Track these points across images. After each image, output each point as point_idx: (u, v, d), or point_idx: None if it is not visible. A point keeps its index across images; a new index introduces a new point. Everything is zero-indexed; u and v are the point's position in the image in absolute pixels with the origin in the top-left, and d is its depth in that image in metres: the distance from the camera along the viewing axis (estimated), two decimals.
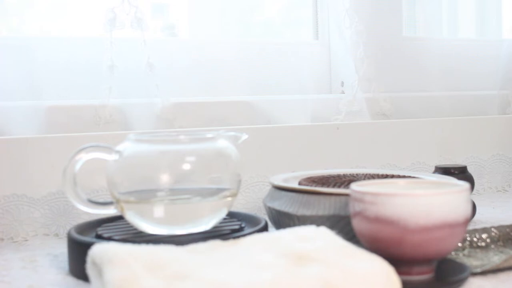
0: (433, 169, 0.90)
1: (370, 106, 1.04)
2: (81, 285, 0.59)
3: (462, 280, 0.55)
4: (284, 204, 0.71)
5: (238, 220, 0.71)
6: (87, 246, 0.53)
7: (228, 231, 0.65)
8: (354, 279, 0.47)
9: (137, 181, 0.63)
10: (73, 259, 0.63)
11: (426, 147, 1.04)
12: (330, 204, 0.68)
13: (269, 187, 0.79)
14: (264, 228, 0.67)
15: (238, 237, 0.58)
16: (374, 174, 0.80)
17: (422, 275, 0.55)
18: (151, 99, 0.89)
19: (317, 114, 1.01)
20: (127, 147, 0.63)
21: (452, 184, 0.60)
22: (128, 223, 0.66)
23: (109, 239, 0.63)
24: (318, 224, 0.59)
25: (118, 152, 0.63)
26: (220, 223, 0.67)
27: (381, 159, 1.00)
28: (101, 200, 0.67)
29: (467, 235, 0.67)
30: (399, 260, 0.53)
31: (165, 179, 0.62)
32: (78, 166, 0.63)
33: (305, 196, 0.70)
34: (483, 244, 0.67)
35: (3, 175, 0.78)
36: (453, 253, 0.64)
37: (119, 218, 0.71)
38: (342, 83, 1.05)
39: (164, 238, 0.62)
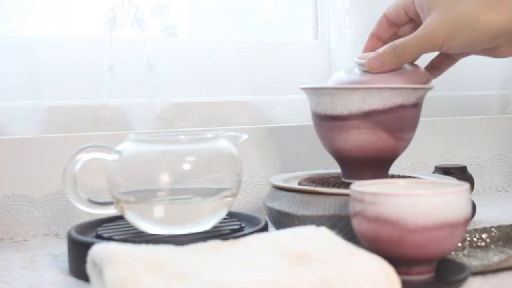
0: (433, 169, 0.90)
1: None
2: (81, 285, 0.59)
3: (462, 280, 0.55)
4: (284, 204, 0.71)
5: (238, 220, 0.71)
6: (87, 246, 0.53)
7: (228, 231, 0.65)
8: (354, 279, 0.47)
9: (137, 181, 0.63)
10: (73, 259, 0.63)
11: (426, 147, 1.04)
12: (330, 204, 0.68)
13: (269, 187, 0.79)
14: (264, 228, 0.67)
15: (238, 237, 0.58)
16: None
17: (422, 275, 0.55)
18: (151, 99, 0.89)
19: None
20: (127, 147, 0.63)
21: (452, 184, 0.60)
22: (128, 223, 0.67)
23: (109, 239, 0.63)
24: (318, 224, 0.59)
25: (118, 152, 0.63)
26: (220, 223, 0.67)
27: None
28: (101, 200, 0.67)
29: (467, 235, 0.67)
30: (399, 260, 0.53)
31: (165, 179, 0.62)
32: (78, 166, 0.63)
33: (305, 196, 0.70)
34: (483, 244, 0.67)
35: (3, 175, 0.78)
36: (453, 253, 0.64)
37: (119, 218, 0.71)
38: None
39: (164, 238, 0.62)
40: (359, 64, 0.73)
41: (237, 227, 0.67)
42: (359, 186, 0.57)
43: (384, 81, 0.70)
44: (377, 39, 0.76)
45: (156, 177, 0.62)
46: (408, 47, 0.69)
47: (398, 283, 0.49)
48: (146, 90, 0.89)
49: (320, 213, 0.68)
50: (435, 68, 0.78)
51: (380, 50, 0.70)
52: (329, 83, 0.75)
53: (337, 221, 0.67)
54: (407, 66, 0.73)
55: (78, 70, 0.88)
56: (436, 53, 0.78)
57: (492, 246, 0.67)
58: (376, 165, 0.73)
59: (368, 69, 0.71)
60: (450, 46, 0.69)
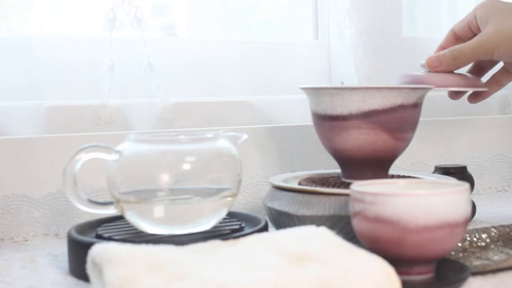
0: (433, 169, 0.90)
1: None
2: (81, 285, 0.59)
3: (462, 280, 0.55)
4: (284, 204, 0.71)
5: (238, 220, 0.71)
6: (87, 246, 0.53)
7: (228, 231, 0.65)
8: (354, 279, 0.47)
9: (137, 181, 0.63)
10: (73, 259, 0.63)
11: (426, 147, 1.04)
12: (330, 204, 0.68)
13: (269, 187, 0.79)
14: (264, 228, 0.67)
15: (238, 237, 0.58)
16: None
17: (422, 275, 0.55)
18: (151, 99, 0.89)
19: None
20: (127, 147, 0.63)
21: (452, 184, 0.60)
22: (128, 223, 0.67)
23: (109, 239, 0.63)
24: (318, 224, 0.59)
25: (118, 152, 0.63)
26: (220, 223, 0.67)
27: None
28: (101, 200, 0.67)
29: (467, 235, 0.67)
30: (399, 260, 0.53)
31: (165, 179, 0.62)
32: (78, 166, 0.63)
33: (305, 196, 0.70)
34: (483, 244, 0.67)
35: (3, 175, 0.78)
36: (453, 253, 0.64)
37: (119, 218, 0.71)
38: (342, 83, 1.05)
39: (164, 238, 0.62)
40: (422, 65, 0.81)
41: (237, 227, 0.67)
42: (359, 186, 0.57)
43: (441, 78, 0.77)
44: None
45: (156, 177, 0.62)
46: (463, 51, 0.78)
47: (398, 283, 0.49)
48: (146, 90, 0.89)
49: (320, 213, 0.68)
50: (496, 82, 0.85)
51: (441, 52, 0.80)
52: (393, 83, 0.80)
53: (337, 221, 0.67)
54: (467, 74, 0.82)
55: (78, 70, 0.88)
56: (498, 68, 0.85)
57: (492, 246, 0.67)
58: (376, 165, 0.73)
59: (427, 67, 0.79)
60: (499, 54, 0.78)
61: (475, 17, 0.81)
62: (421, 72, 0.81)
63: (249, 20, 1.13)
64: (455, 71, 0.81)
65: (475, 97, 0.85)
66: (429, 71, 0.79)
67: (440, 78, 0.78)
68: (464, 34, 0.83)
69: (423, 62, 0.80)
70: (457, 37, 0.84)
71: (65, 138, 0.81)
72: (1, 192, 0.78)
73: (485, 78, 0.86)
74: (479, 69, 0.85)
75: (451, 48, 0.79)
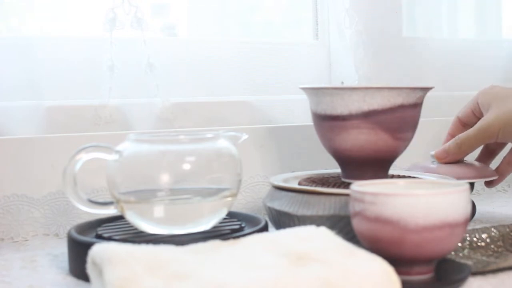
0: None
1: None
2: (81, 285, 0.59)
3: (462, 280, 0.55)
4: (284, 204, 0.71)
5: (238, 220, 0.71)
6: (87, 246, 0.53)
7: (228, 231, 0.65)
8: (354, 279, 0.47)
9: (137, 181, 0.63)
10: (73, 259, 0.63)
11: (426, 147, 1.04)
12: (330, 204, 0.68)
13: (269, 187, 0.79)
14: (264, 228, 0.67)
15: (238, 237, 0.58)
16: None
17: (422, 275, 0.55)
18: (151, 99, 0.89)
19: None
20: (127, 147, 0.63)
21: (452, 184, 0.60)
22: (128, 223, 0.67)
23: (109, 239, 0.63)
24: (318, 224, 0.59)
25: (118, 152, 0.63)
26: (220, 223, 0.67)
27: None
28: (101, 200, 0.67)
29: (467, 235, 0.67)
30: (399, 260, 0.53)
31: (165, 179, 0.62)
32: (78, 166, 0.63)
33: (305, 196, 0.70)
34: (483, 244, 0.67)
35: (3, 175, 0.78)
36: (453, 253, 0.64)
37: (119, 218, 0.71)
38: (342, 83, 1.05)
39: (164, 238, 0.62)
40: (432, 156, 0.84)
41: (237, 227, 0.67)
42: (359, 186, 0.57)
43: (450, 171, 0.80)
44: (452, 138, 0.86)
45: (156, 177, 0.62)
46: (467, 138, 0.81)
47: (398, 283, 0.49)
48: (146, 90, 0.89)
49: (320, 213, 0.68)
50: (508, 163, 0.87)
51: (446, 144, 0.83)
52: (408, 171, 0.84)
53: (337, 221, 0.67)
54: (476, 163, 0.85)
55: (78, 70, 0.88)
56: (508, 150, 0.88)
57: (492, 246, 0.67)
58: (376, 165, 0.73)
59: (436, 160, 0.83)
60: (504, 136, 0.80)
61: (478, 103, 0.84)
62: (431, 162, 0.84)
63: (249, 20, 1.13)
64: (465, 160, 0.84)
65: (490, 183, 0.87)
66: (439, 163, 0.83)
67: (450, 171, 0.80)
68: (469, 119, 0.85)
69: (433, 153, 0.83)
70: (463, 123, 0.86)
71: (65, 138, 0.81)
72: (1, 192, 0.78)
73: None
74: (489, 151, 0.88)
75: (456, 137, 0.82)
